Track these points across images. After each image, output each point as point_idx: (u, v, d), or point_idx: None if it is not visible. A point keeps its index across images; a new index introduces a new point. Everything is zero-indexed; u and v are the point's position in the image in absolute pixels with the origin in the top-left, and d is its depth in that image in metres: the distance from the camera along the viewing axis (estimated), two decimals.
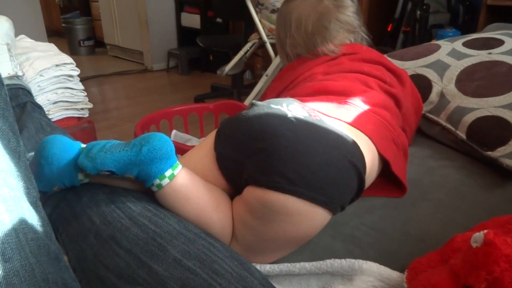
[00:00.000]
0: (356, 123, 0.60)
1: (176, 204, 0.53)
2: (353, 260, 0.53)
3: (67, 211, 0.54)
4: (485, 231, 0.37)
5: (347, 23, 0.79)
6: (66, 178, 0.54)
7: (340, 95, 0.65)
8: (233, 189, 0.59)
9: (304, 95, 0.66)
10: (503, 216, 0.53)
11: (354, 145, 0.55)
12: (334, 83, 0.68)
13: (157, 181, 0.51)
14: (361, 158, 0.55)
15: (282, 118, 0.53)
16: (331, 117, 0.59)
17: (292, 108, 0.56)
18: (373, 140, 0.60)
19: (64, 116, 1.27)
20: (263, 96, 0.86)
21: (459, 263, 0.40)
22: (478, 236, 0.37)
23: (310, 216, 0.52)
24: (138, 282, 0.44)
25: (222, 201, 0.56)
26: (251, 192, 0.53)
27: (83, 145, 0.54)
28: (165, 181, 0.51)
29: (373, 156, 0.60)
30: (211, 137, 0.61)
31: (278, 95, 0.77)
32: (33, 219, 0.37)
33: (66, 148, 0.53)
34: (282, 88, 0.78)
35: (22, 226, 0.35)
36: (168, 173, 0.51)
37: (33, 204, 0.38)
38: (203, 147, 0.61)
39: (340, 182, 0.52)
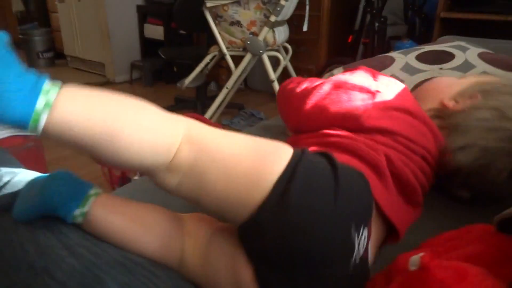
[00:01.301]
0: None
1: (102, 236, 0.51)
2: None
3: (1, 238, 0.52)
4: (422, 254, 0.36)
5: None
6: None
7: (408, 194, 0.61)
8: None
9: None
10: (450, 232, 0.53)
11: None
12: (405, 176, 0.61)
13: (72, 221, 0.50)
14: None
15: (346, 257, 0.45)
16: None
17: (362, 241, 0.47)
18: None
19: (8, 135, 1.21)
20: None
21: (397, 287, 0.39)
22: (415, 259, 0.37)
23: None
24: None
25: (153, 223, 0.52)
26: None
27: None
28: (79, 220, 0.50)
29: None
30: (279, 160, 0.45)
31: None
32: None
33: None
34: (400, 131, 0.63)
35: None
36: (77, 212, 0.49)
37: None
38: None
39: None
